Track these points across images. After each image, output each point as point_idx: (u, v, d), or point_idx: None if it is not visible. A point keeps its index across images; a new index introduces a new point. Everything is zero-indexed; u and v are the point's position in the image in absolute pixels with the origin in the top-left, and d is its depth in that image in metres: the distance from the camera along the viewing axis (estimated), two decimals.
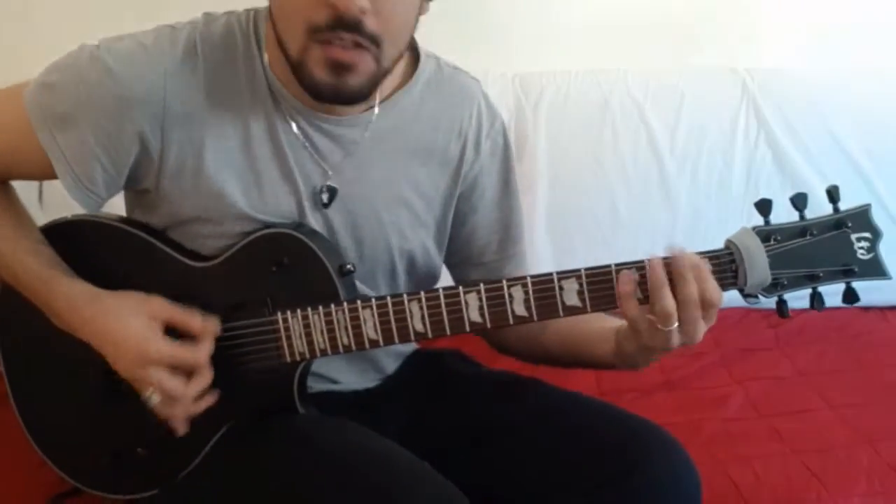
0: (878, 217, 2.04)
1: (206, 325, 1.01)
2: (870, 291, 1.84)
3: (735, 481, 1.35)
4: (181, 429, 1.02)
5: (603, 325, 1.07)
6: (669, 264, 0.93)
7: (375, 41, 0.93)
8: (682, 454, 1.03)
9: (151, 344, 0.98)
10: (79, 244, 1.08)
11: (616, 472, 1.00)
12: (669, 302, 0.92)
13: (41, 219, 1.13)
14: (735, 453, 1.42)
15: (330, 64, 0.93)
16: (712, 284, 0.93)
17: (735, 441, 1.46)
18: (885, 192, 1.92)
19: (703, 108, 1.94)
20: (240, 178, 1.03)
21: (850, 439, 1.45)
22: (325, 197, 1.07)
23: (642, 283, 0.94)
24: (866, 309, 1.89)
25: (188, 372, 1.00)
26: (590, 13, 2.01)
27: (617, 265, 0.95)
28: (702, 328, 0.94)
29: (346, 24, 0.91)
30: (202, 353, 1.00)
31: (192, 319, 1.01)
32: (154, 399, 0.99)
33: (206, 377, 1.01)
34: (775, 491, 1.33)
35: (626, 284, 0.94)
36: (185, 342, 1.00)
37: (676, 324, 0.93)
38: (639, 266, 0.95)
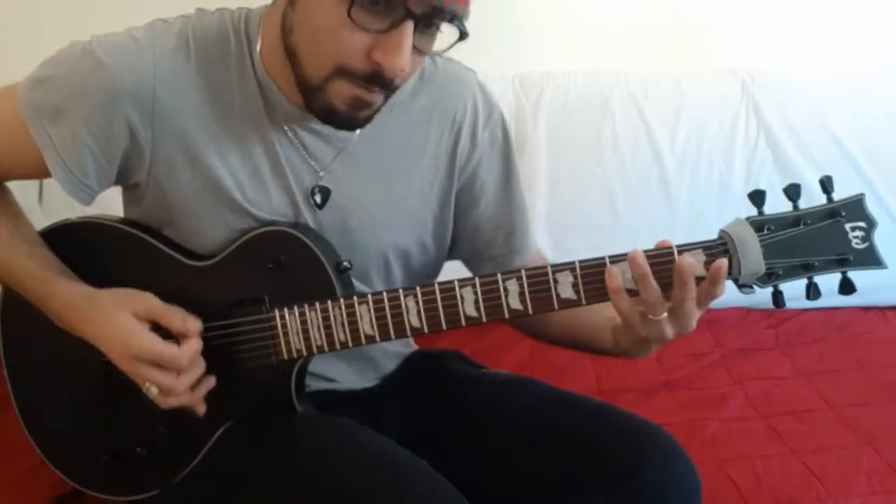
0: (879, 217, 2.04)
1: (186, 326, 1.00)
2: (870, 292, 1.86)
3: (735, 481, 1.35)
4: (200, 409, 1.02)
5: (602, 317, 1.06)
6: (672, 268, 0.91)
7: (396, 87, 0.95)
8: (681, 456, 1.02)
9: (134, 339, 0.98)
10: (79, 246, 1.09)
11: (616, 474, 0.99)
12: (654, 291, 0.92)
13: (41, 220, 1.13)
14: (735, 453, 1.42)
15: (352, 101, 0.94)
16: (723, 288, 0.92)
17: (735, 441, 1.46)
18: (885, 191, 1.93)
19: (703, 108, 1.94)
20: (232, 173, 1.02)
21: (850, 439, 1.45)
22: (317, 198, 1.07)
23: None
24: (866, 309, 1.90)
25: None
26: (590, 13, 2.01)
27: (611, 257, 0.95)
28: (695, 317, 0.94)
29: (382, 82, 0.92)
30: (185, 352, 0.99)
31: (173, 319, 1.00)
32: (153, 391, 0.99)
33: (194, 372, 1.00)
34: (775, 491, 1.33)
35: (614, 280, 0.93)
36: (171, 340, 1.00)
37: (665, 314, 0.93)
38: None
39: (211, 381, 1.03)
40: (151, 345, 0.98)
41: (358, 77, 0.92)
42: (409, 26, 0.88)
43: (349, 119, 0.96)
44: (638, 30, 2.02)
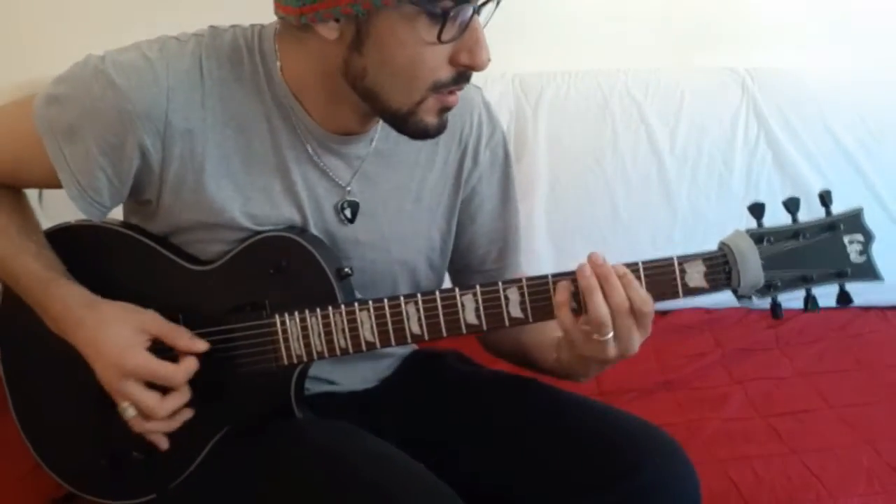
0: (877, 218, 2.05)
1: (192, 345, 1.01)
2: (870, 292, 1.84)
3: (735, 481, 1.35)
4: (161, 444, 1.02)
5: (546, 336, 1.08)
6: (596, 273, 0.93)
7: None
8: (680, 456, 1.03)
9: (130, 355, 0.98)
10: (80, 249, 1.09)
11: (614, 474, 1.00)
12: (603, 309, 0.92)
13: (42, 221, 1.13)
14: (735, 453, 1.42)
15: (441, 111, 0.98)
16: (641, 293, 0.93)
17: (735, 441, 1.46)
18: (885, 192, 1.93)
19: (703, 108, 1.94)
20: (241, 193, 1.02)
21: (850, 439, 1.45)
22: (347, 213, 1.07)
23: (576, 292, 0.95)
24: (866, 309, 1.89)
25: (166, 389, 1.00)
26: (590, 13, 2.01)
27: (553, 276, 0.96)
28: (636, 338, 0.94)
29: (467, 77, 0.96)
30: (181, 372, 0.99)
31: (179, 337, 1.01)
32: (129, 413, 0.99)
33: (182, 396, 1.01)
34: (775, 491, 1.33)
35: (562, 294, 0.95)
36: (167, 360, 1.00)
37: (611, 333, 0.93)
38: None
39: (188, 413, 1.02)
40: (147, 362, 0.98)
41: (448, 85, 0.95)
42: (478, 19, 0.92)
43: (439, 128, 0.99)
44: (638, 30, 2.01)
